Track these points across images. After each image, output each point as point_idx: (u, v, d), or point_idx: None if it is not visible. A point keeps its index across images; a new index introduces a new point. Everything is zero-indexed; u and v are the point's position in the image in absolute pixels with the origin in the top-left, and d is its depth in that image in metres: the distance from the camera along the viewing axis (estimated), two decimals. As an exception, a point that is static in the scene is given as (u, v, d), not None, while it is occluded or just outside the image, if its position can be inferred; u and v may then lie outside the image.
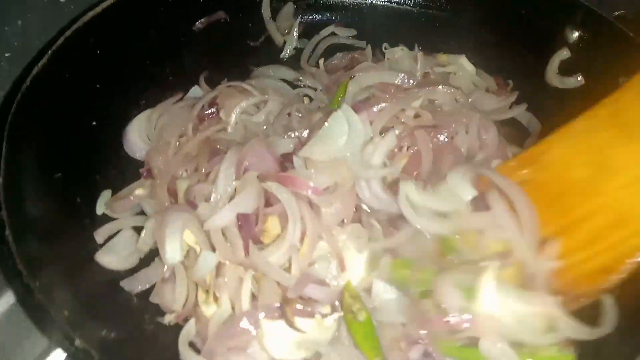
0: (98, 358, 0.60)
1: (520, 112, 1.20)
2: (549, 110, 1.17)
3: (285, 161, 1.01)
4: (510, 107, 1.20)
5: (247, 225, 0.90)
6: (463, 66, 1.25)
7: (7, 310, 0.99)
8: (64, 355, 0.91)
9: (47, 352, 0.94)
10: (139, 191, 1.01)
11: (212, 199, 0.93)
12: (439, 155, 1.05)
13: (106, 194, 1.01)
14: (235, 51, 1.29)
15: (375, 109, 1.05)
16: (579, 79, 1.16)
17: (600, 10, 1.12)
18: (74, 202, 0.96)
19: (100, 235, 0.95)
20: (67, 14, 1.24)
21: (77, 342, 0.61)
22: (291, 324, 0.82)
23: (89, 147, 1.04)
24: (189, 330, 0.86)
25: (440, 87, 1.13)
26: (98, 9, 1.05)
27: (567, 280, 0.87)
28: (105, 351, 0.62)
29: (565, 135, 0.96)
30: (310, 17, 1.35)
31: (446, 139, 1.07)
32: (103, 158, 1.06)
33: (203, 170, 1.01)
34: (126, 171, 1.08)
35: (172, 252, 0.89)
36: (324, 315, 0.84)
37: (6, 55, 1.24)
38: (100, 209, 0.99)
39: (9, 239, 0.71)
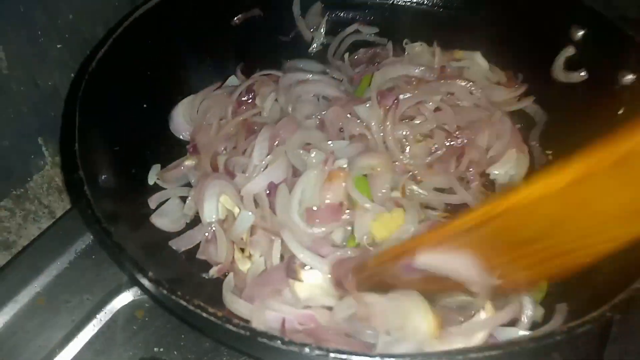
0: (168, 287, 0.72)
1: (528, 104, 1.31)
2: (554, 103, 1.28)
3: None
4: (519, 100, 1.32)
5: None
6: (477, 61, 1.36)
7: (87, 247, 1.16)
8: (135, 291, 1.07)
9: (117, 290, 1.09)
10: (188, 162, 1.14)
11: (248, 169, 1.06)
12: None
13: (156, 167, 1.15)
14: (269, 45, 1.41)
15: (401, 97, 1.17)
16: (582, 74, 1.26)
17: (603, 11, 1.22)
18: (130, 172, 1.09)
19: (153, 201, 1.09)
20: (113, 8, 1.32)
21: (150, 274, 0.74)
22: (297, 277, 0.92)
23: (141, 125, 1.16)
24: (229, 281, 0.98)
25: (457, 81, 1.26)
26: (150, 4, 1.18)
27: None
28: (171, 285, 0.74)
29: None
30: (336, 15, 1.48)
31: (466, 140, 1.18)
32: (152, 136, 1.19)
33: (240, 147, 1.14)
34: (172, 149, 1.21)
35: (209, 212, 1.05)
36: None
37: (58, 46, 1.30)
38: (151, 180, 1.12)
39: (87, 192, 0.84)
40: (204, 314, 0.69)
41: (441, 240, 0.78)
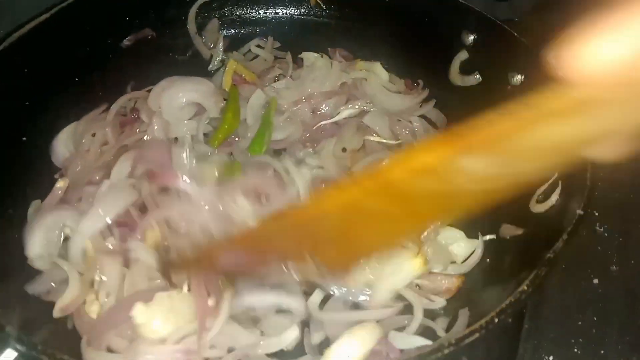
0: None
1: (429, 109, 1.33)
2: (453, 106, 1.31)
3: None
4: (420, 106, 1.34)
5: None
6: (376, 72, 1.38)
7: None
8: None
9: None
10: (60, 184, 1.06)
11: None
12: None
13: (35, 203, 1.06)
14: (165, 65, 1.35)
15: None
16: (476, 76, 1.30)
17: (490, 15, 1.26)
18: (6, 213, 1.01)
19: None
20: None
21: (8, 328, 0.67)
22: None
23: (20, 161, 1.08)
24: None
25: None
26: (24, 30, 1.10)
27: None
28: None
29: None
30: (235, 31, 1.45)
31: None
32: (34, 171, 1.11)
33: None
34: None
35: (32, 246, 0.96)
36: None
37: None
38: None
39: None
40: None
41: None
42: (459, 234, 1.08)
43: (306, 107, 1.28)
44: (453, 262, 1.06)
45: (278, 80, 1.34)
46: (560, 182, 0.99)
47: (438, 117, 1.33)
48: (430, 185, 0.60)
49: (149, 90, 1.23)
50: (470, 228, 1.08)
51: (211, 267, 0.87)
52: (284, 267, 0.78)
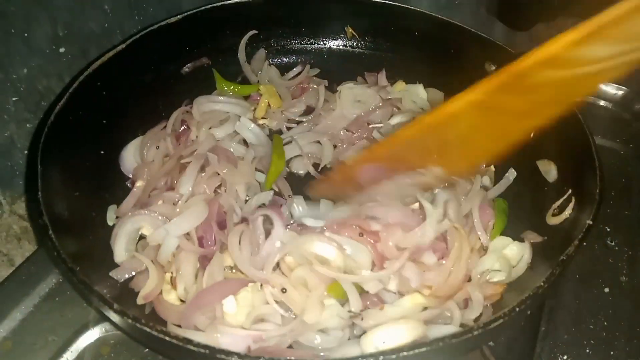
0: (132, 316, 0.80)
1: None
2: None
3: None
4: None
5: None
6: (416, 92, 1.51)
7: (50, 290, 1.20)
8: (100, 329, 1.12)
9: (87, 326, 1.13)
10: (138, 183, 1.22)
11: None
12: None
13: (112, 208, 1.21)
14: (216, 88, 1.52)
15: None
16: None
17: (511, 48, 1.39)
18: (90, 215, 1.16)
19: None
20: (65, 62, 1.39)
21: (115, 305, 0.81)
22: None
23: (99, 171, 1.24)
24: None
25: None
26: (104, 58, 1.26)
27: None
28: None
29: None
30: (279, 59, 1.61)
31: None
32: (110, 180, 1.27)
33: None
34: (128, 190, 1.27)
35: (119, 253, 1.11)
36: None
37: (13, 99, 1.35)
38: (110, 220, 1.19)
39: (52, 236, 0.91)
40: (167, 338, 0.77)
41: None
42: (507, 240, 1.15)
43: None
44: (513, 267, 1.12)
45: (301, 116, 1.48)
46: (573, 198, 1.11)
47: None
48: (554, 74, 0.69)
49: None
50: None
51: (351, 180, 1.00)
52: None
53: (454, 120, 0.82)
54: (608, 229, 1.32)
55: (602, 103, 1.63)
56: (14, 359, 1.11)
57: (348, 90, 1.47)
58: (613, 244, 1.30)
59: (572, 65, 0.69)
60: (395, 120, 1.44)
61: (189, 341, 0.75)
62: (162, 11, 1.51)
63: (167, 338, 0.76)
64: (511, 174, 1.29)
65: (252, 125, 1.38)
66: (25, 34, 1.29)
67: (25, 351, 1.12)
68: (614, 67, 0.71)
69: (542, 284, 0.86)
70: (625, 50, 0.68)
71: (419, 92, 1.51)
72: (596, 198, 1.00)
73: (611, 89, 1.62)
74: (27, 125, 1.35)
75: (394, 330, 0.93)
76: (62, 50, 1.39)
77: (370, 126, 1.43)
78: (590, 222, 0.96)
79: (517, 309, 0.82)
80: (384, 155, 0.97)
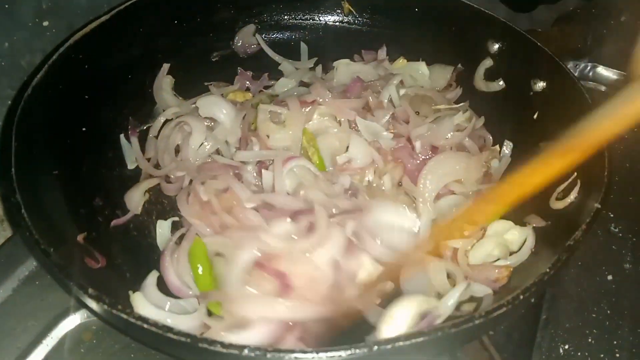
0: (109, 302, 0.75)
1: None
2: (477, 111, 1.36)
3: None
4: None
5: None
6: (418, 69, 1.46)
7: (30, 273, 1.15)
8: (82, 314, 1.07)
9: (68, 311, 1.09)
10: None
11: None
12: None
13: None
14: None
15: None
16: (500, 83, 1.37)
17: (514, 25, 1.34)
18: (70, 195, 1.10)
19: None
20: (49, 36, 1.33)
21: (91, 290, 0.76)
22: None
23: (80, 149, 1.17)
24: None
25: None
26: (87, 29, 1.20)
27: None
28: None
29: None
30: (272, 35, 1.55)
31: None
32: (92, 159, 1.20)
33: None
34: (113, 170, 1.24)
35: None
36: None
37: None
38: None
39: (25, 216, 0.85)
40: (145, 325, 0.71)
41: None
42: (508, 224, 1.13)
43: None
44: (512, 252, 1.10)
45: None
46: (579, 181, 1.06)
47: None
48: None
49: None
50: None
51: None
52: None
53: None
54: (612, 215, 1.29)
55: (603, 89, 1.61)
56: (-9, 343, 1.06)
57: (345, 67, 1.42)
58: (617, 230, 1.27)
59: None
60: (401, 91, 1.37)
61: (169, 329, 0.70)
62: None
63: (145, 326, 0.71)
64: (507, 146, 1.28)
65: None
66: (6, 6, 1.24)
67: (4, 336, 1.07)
68: None
69: (547, 270, 0.81)
70: None
71: (420, 69, 1.46)
72: (604, 181, 0.95)
73: (612, 74, 1.61)
74: (10, 102, 1.27)
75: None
76: (45, 24, 1.34)
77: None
78: (599, 206, 0.91)
79: (521, 297, 0.77)
80: None
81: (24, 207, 0.86)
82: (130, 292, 0.97)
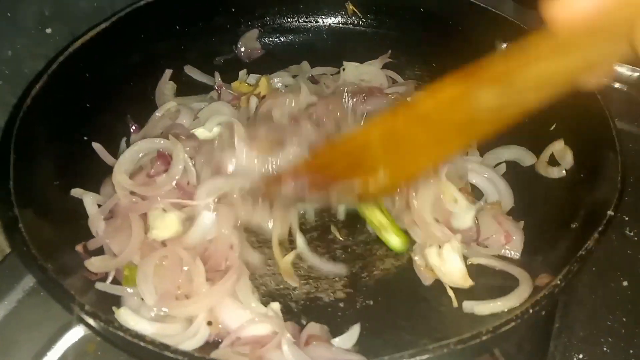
0: (104, 318, 0.73)
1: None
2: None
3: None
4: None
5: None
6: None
7: (34, 285, 1.13)
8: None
9: (67, 326, 1.07)
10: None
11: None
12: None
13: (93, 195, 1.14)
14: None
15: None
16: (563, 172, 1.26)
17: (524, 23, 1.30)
18: (71, 203, 1.09)
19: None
20: (52, 43, 1.33)
21: (87, 306, 0.74)
22: None
23: (81, 158, 1.17)
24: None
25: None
26: (87, 37, 1.19)
27: None
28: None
29: None
30: (275, 39, 1.53)
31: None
32: (93, 168, 1.18)
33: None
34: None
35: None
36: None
37: None
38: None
39: (22, 230, 0.84)
40: (142, 343, 0.70)
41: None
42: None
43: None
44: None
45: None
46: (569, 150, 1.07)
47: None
48: (452, 115, 0.76)
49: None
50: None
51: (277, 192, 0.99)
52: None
53: (368, 146, 0.87)
54: (626, 218, 1.25)
55: (617, 85, 1.55)
56: (-5, 356, 1.05)
57: (354, 68, 1.41)
58: (632, 234, 1.23)
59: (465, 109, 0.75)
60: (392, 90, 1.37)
61: (166, 347, 0.69)
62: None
63: (142, 343, 0.69)
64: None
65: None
66: (9, 14, 1.24)
67: (8, 348, 1.06)
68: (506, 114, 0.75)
69: (558, 282, 0.78)
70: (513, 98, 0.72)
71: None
72: (617, 187, 0.91)
73: (627, 71, 1.54)
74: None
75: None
76: (48, 30, 1.34)
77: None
78: (612, 213, 0.87)
79: (530, 311, 0.74)
80: (308, 171, 0.98)
81: (22, 221, 0.85)
82: (115, 308, 0.95)
